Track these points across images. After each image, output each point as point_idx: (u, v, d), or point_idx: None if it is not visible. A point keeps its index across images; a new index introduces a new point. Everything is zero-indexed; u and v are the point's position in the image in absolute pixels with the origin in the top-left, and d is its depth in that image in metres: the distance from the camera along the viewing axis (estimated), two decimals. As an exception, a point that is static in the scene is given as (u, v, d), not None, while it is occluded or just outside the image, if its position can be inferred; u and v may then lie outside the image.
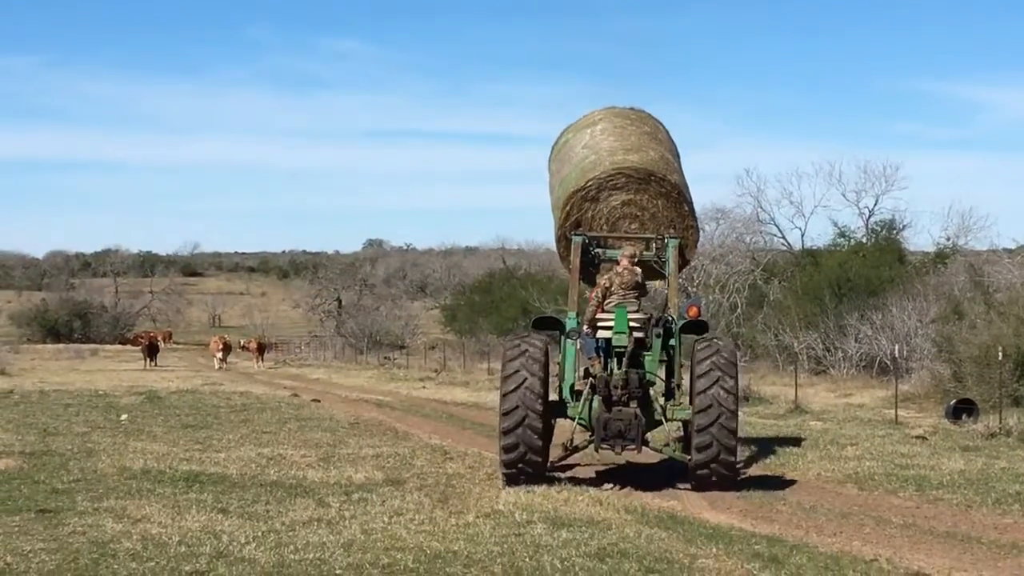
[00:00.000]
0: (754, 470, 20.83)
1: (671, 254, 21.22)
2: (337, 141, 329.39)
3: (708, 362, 18.64)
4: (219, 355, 68.64)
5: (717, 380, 18.47)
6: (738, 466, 19.65)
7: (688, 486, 18.82)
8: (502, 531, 14.23)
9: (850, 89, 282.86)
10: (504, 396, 18.69)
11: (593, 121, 23.21)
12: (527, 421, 18.40)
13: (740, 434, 20.65)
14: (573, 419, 19.72)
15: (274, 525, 14.48)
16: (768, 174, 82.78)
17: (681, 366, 20.66)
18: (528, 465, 18.48)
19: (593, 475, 20.45)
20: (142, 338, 79.96)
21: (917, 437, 25.21)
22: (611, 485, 18.85)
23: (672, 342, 20.31)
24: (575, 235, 21.40)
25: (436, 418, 31.99)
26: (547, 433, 19.37)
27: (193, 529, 14.11)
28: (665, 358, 20.31)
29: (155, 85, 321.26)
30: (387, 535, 13.89)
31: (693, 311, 20.75)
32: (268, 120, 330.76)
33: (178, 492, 16.94)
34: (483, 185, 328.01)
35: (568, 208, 21.95)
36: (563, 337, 20.57)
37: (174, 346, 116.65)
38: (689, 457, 18.93)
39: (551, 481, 18.60)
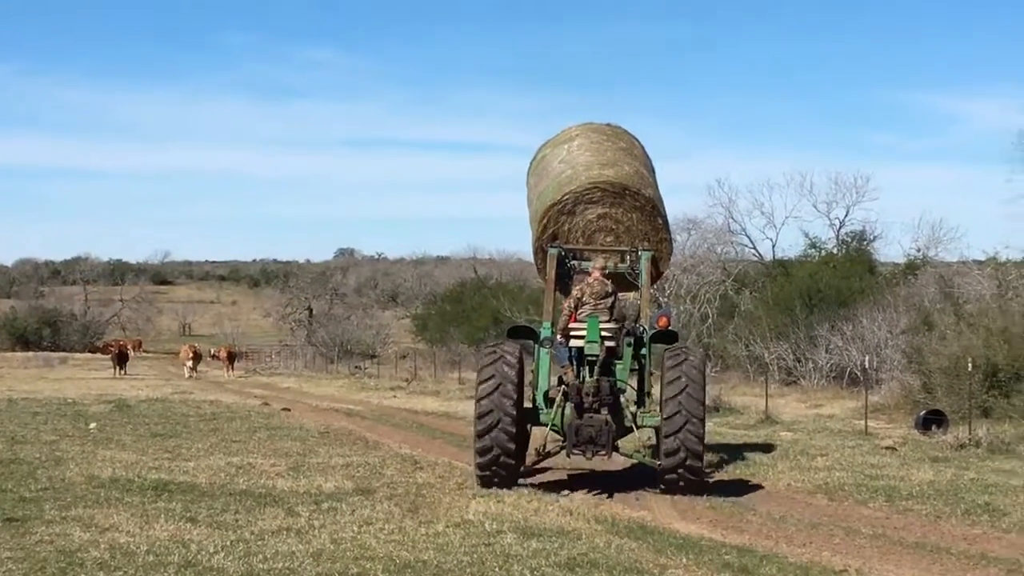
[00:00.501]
0: (724, 480, 20.85)
1: (644, 266, 21.88)
2: (311, 150, 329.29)
3: (677, 370, 19.15)
4: (189, 364, 68.50)
5: (685, 388, 18.97)
6: (706, 471, 20.10)
7: (657, 491, 19.17)
8: (472, 541, 14.20)
9: (822, 100, 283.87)
10: (479, 401, 19.28)
11: (570, 136, 23.97)
12: (501, 424, 18.95)
13: (711, 444, 22.35)
14: (546, 425, 20.16)
15: (243, 534, 14.41)
16: (740, 185, 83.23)
17: (651, 374, 21.29)
18: (501, 467, 18.99)
19: (565, 477, 20.89)
20: (112, 346, 79.87)
21: (887, 448, 25.26)
22: (567, 492, 19.13)
23: (643, 351, 20.92)
24: (551, 247, 22.13)
25: (406, 427, 31.92)
26: (521, 438, 19.84)
27: (161, 538, 14.03)
28: (636, 367, 21.03)
29: (130, 93, 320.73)
30: (357, 544, 13.85)
31: (663, 321, 21.26)
32: (242, 128, 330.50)
33: (147, 501, 16.85)
34: (455, 194, 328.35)
35: (545, 221, 22.71)
36: (537, 346, 20.99)
37: (144, 354, 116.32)
38: (658, 463, 19.36)
39: (523, 487, 18.76)
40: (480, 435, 19.08)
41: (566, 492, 18.86)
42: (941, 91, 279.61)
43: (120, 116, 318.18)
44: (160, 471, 20.15)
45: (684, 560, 13.42)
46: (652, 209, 22.86)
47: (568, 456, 19.85)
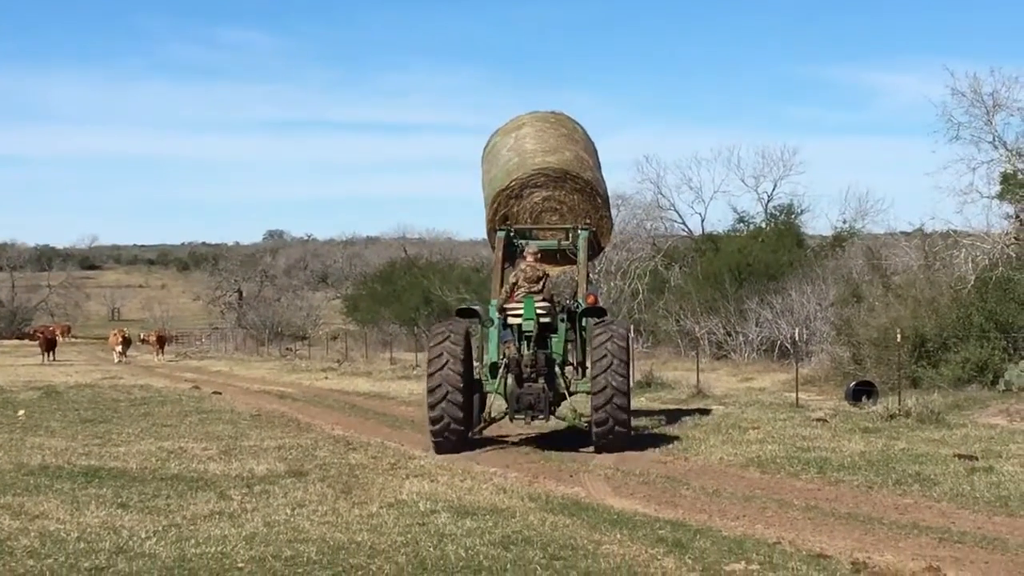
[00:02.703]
0: (657, 455, 20.88)
1: (581, 244, 24.45)
2: (238, 132, 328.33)
3: (603, 347, 21.31)
4: (119, 348, 67.92)
5: (611, 365, 21.14)
6: (632, 434, 22.06)
7: (591, 469, 19.36)
8: (406, 521, 14.16)
9: (748, 75, 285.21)
10: (430, 375, 21.50)
11: (518, 125, 26.45)
12: (449, 396, 21.22)
13: (644, 419, 24.67)
14: (491, 394, 22.51)
15: (175, 519, 14.31)
16: (668, 160, 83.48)
17: (585, 346, 23.26)
18: (452, 433, 21.32)
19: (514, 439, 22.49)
20: (40, 332, 79.06)
21: (818, 420, 25.40)
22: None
23: (577, 325, 23.41)
24: (499, 229, 24.73)
25: (338, 409, 31.83)
26: (469, 406, 21.94)
27: (92, 525, 13.91)
28: (572, 338, 23.52)
29: (51, 77, 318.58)
30: (290, 527, 13.78)
31: (591, 299, 23.67)
32: (166, 111, 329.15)
33: (77, 488, 16.70)
34: (384, 174, 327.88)
35: (496, 204, 25.20)
36: (481, 326, 23.45)
37: (73, 340, 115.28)
38: (587, 424, 21.81)
39: (458, 466, 18.84)
40: (432, 406, 21.29)
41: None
42: (864, 65, 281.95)
43: (41, 100, 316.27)
44: (90, 457, 20.01)
45: (618, 536, 13.42)
46: (591, 190, 25.33)
47: (511, 420, 22.39)
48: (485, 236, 26.68)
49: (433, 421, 21.30)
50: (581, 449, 21.45)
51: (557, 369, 22.51)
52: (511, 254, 24.74)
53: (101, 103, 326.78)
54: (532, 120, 26.41)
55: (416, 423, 26.65)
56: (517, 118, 26.70)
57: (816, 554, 12.64)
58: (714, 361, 50.69)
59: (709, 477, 18.45)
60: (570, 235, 24.89)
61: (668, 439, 22.67)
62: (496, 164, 25.82)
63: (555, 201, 25.10)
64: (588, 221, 24.91)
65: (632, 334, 26.30)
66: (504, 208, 25.07)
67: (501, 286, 23.48)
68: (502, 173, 25.33)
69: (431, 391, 21.34)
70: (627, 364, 21.67)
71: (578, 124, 26.86)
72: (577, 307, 23.37)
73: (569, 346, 23.46)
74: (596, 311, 23.34)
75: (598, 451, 21.11)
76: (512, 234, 24.77)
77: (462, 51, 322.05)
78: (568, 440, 22.54)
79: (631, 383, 22.52)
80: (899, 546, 13.29)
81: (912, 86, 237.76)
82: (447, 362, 21.27)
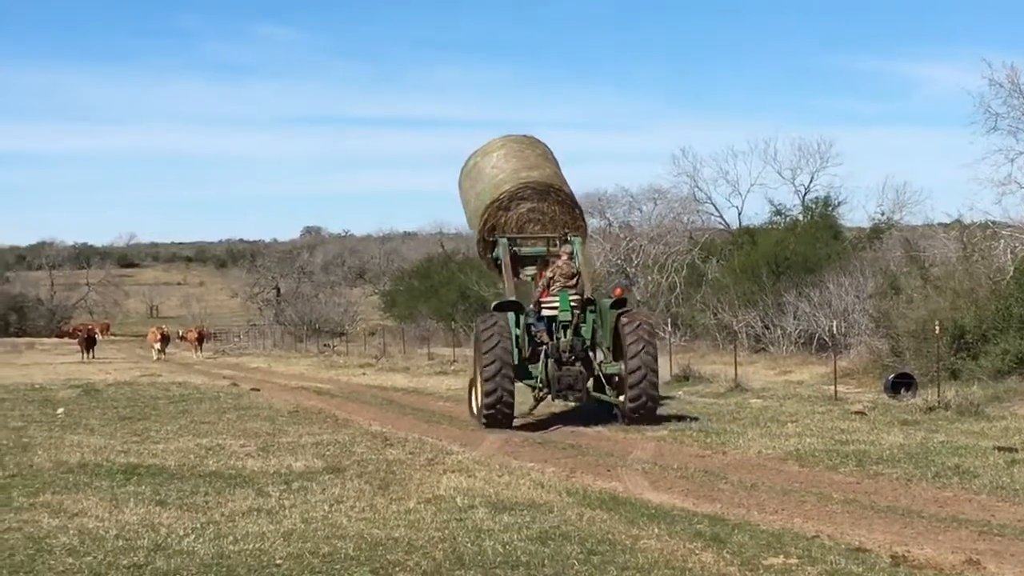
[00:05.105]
0: (695, 449, 20.85)
1: (579, 249, 26.96)
2: (273, 128, 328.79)
3: (634, 332, 24.13)
4: (157, 346, 68.18)
5: (643, 347, 23.89)
6: (660, 407, 25.12)
7: (629, 464, 19.20)
8: (443, 516, 14.14)
9: (784, 67, 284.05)
10: (484, 354, 23.90)
11: (496, 147, 29.10)
12: (503, 371, 23.78)
13: (681, 412, 25.76)
14: (534, 378, 25.03)
15: (213, 516, 14.33)
16: (704, 153, 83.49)
17: (598, 333, 25.81)
18: (505, 406, 23.89)
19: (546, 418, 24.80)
20: (80, 330, 79.46)
21: (856, 412, 25.32)
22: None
23: (602, 315, 25.69)
24: (500, 238, 27.52)
25: (376, 404, 31.86)
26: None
27: (131, 522, 13.93)
28: (595, 327, 25.85)
29: (87, 75, 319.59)
30: (327, 523, 13.77)
31: (617, 292, 26.36)
32: (202, 109, 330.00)
33: (115, 485, 16.73)
34: (420, 170, 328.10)
35: (486, 216, 27.80)
36: (518, 316, 25.31)
37: (112, 338, 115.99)
38: (620, 400, 24.44)
39: (495, 461, 18.72)
40: (487, 380, 23.73)
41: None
42: (899, 55, 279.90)
43: (77, 99, 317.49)
44: (129, 455, 20.05)
45: (656, 530, 13.37)
46: (571, 203, 28.30)
47: (553, 400, 25.04)
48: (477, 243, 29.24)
49: (487, 394, 23.80)
50: (609, 425, 24.26)
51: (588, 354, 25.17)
52: (498, 258, 27.33)
53: (138, 101, 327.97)
54: (508, 142, 29.21)
55: (453, 418, 26.72)
56: (492, 141, 29.35)
57: (855, 547, 12.57)
58: (752, 354, 50.52)
59: (747, 471, 18.39)
60: (559, 242, 27.20)
61: (706, 433, 22.63)
62: (481, 180, 28.46)
63: (539, 212, 27.70)
64: (567, 230, 27.48)
65: (669, 327, 28.30)
66: (493, 219, 27.70)
67: (524, 286, 26.70)
68: (490, 187, 28.00)
69: (486, 366, 23.75)
70: (655, 348, 24.36)
71: (547, 146, 29.81)
72: (597, 301, 26.01)
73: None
74: (621, 302, 25.49)
75: (631, 423, 23.77)
76: (508, 242, 27.37)
77: (490, 47, 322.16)
78: (596, 416, 25.14)
79: (659, 363, 24.91)
80: (939, 539, 13.22)
81: (948, 76, 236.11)
82: (499, 342, 23.84)
